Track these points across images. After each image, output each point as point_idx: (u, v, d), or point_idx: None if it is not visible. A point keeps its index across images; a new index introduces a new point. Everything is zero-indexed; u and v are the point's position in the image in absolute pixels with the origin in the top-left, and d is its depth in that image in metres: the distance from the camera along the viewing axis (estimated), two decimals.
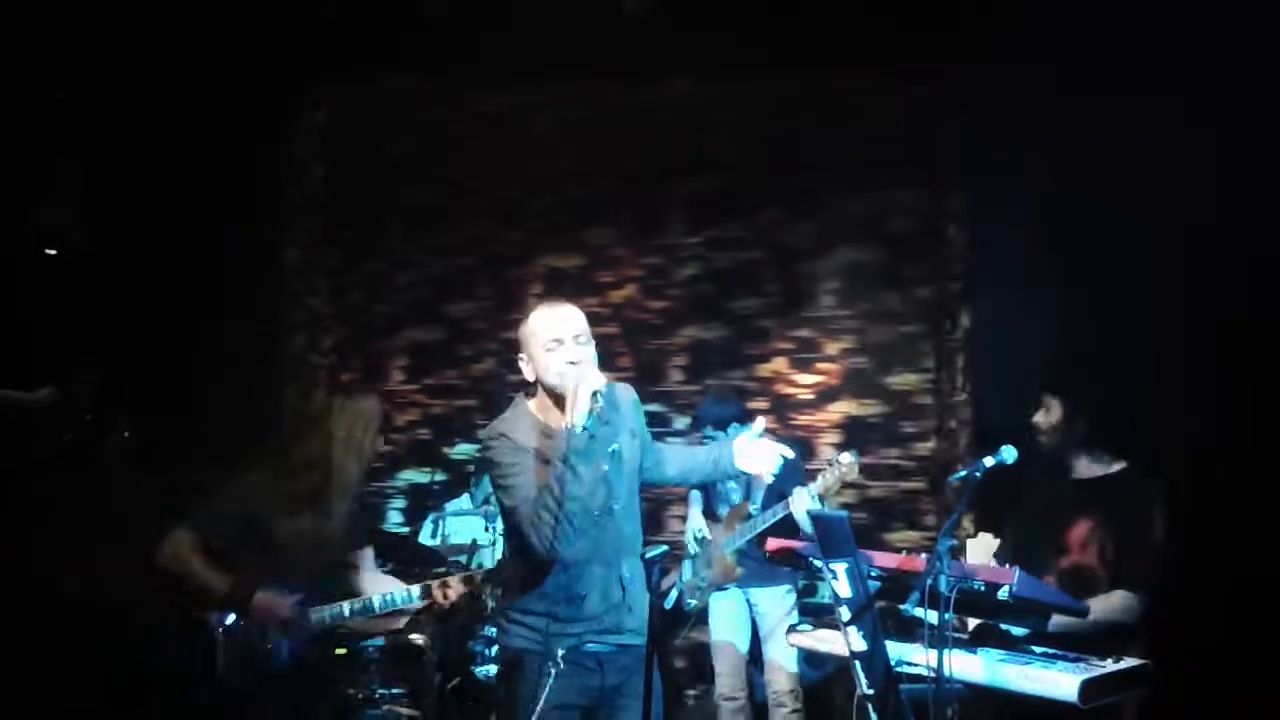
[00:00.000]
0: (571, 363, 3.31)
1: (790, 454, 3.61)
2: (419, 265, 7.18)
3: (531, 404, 3.47)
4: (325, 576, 3.94)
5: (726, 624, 5.45)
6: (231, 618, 3.78)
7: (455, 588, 4.01)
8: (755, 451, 3.57)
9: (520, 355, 3.42)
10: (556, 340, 3.33)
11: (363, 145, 6.98)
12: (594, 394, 3.23)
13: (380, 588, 4.01)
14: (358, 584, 4.05)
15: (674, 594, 5.56)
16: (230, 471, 3.93)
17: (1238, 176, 4.56)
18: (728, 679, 5.43)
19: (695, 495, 5.65)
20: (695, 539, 5.47)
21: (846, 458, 4.90)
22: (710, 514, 5.51)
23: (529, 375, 3.42)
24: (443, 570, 5.32)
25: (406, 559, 5.44)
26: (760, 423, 3.66)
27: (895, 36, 5.68)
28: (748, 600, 5.43)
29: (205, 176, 5.75)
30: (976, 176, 6.05)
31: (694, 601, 5.48)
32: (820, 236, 6.86)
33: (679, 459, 3.77)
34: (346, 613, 3.91)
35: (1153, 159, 4.78)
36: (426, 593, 3.99)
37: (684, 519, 5.71)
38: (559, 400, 3.33)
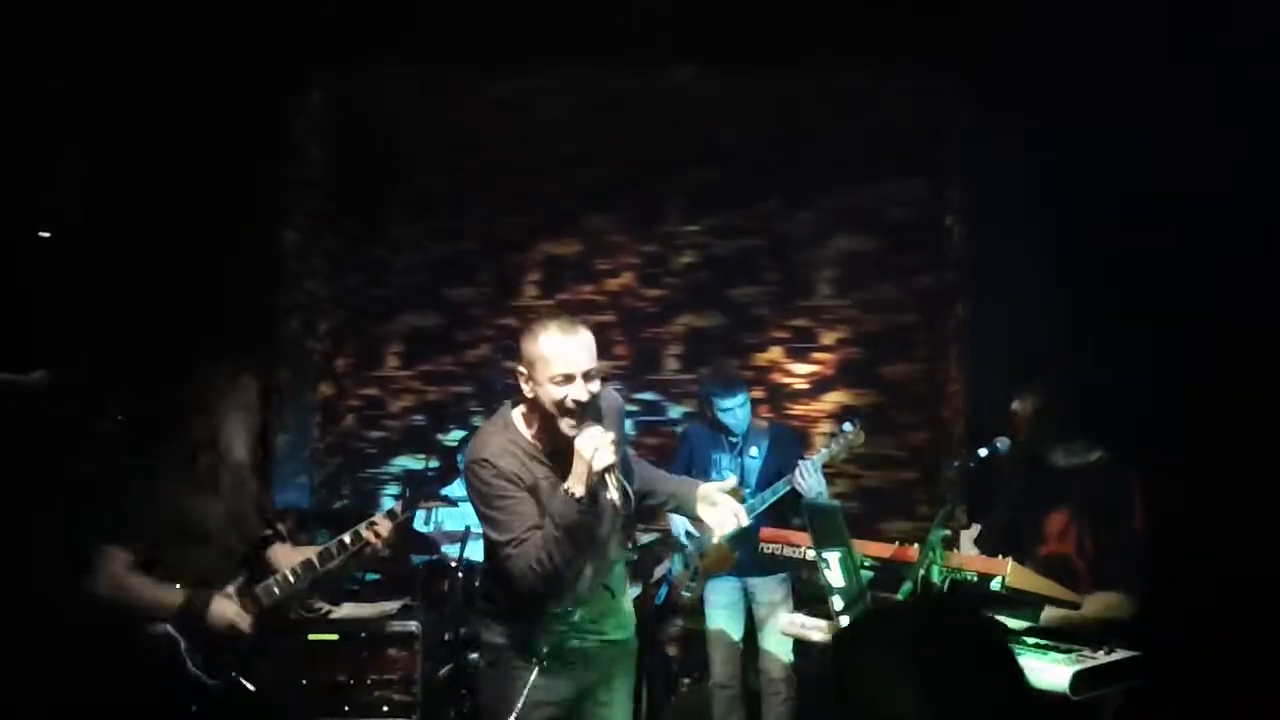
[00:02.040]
0: (579, 402, 3.13)
1: (745, 522, 3.47)
2: (417, 250, 7.18)
3: (519, 418, 3.31)
4: (252, 554, 3.91)
5: (722, 612, 5.45)
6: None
7: (383, 524, 3.95)
8: (719, 506, 3.43)
9: (519, 367, 3.23)
10: (567, 376, 3.13)
11: (363, 128, 6.97)
12: (607, 468, 3.07)
13: (300, 558, 3.94)
14: (274, 559, 4.00)
15: (664, 589, 5.54)
16: (132, 476, 3.86)
17: (1236, 175, 4.56)
18: (722, 667, 5.44)
19: None
20: (685, 532, 5.45)
21: (850, 427, 5.11)
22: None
23: (526, 391, 3.24)
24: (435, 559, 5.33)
25: (400, 544, 5.43)
26: (731, 480, 3.61)
27: (899, 29, 5.66)
28: (743, 589, 5.44)
29: (203, 158, 5.73)
30: (976, 169, 6.04)
31: (687, 594, 5.48)
32: (818, 226, 6.87)
33: (642, 475, 3.58)
34: (292, 579, 3.86)
35: (1152, 157, 4.79)
36: (357, 537, 3.92)
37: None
38: (553, 426, 3.18)
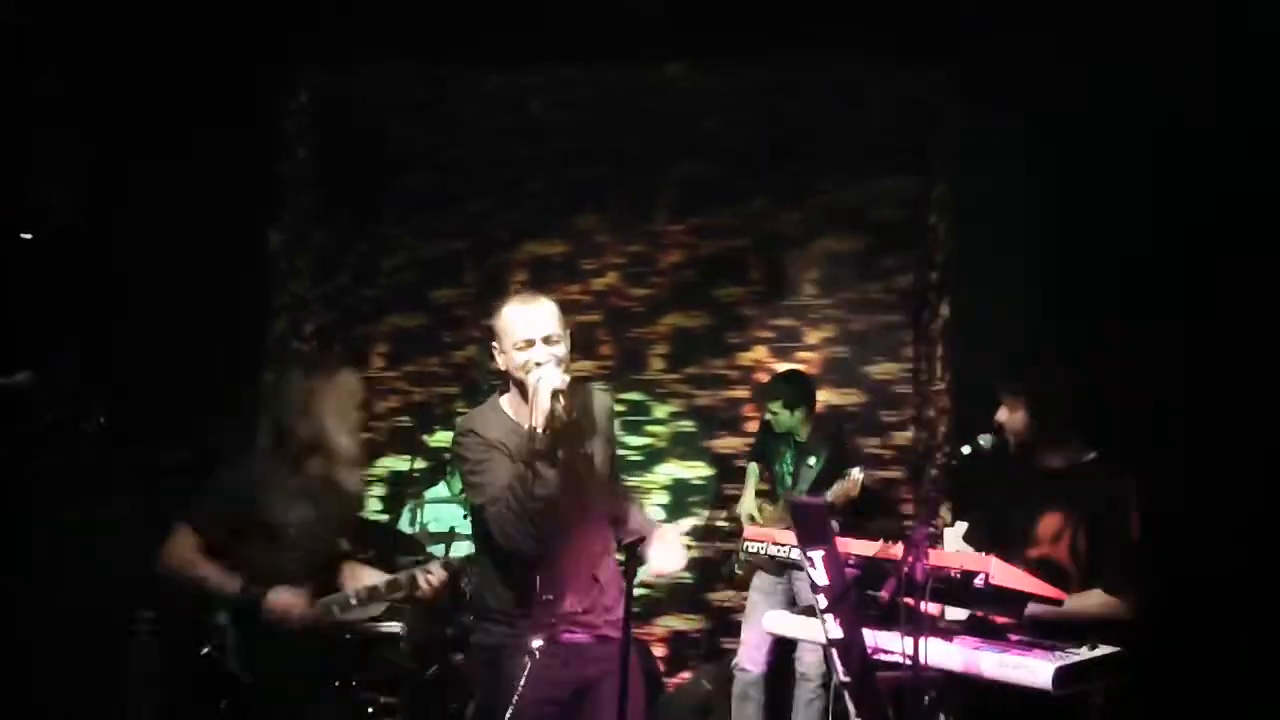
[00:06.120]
0: (538, 363, 3.31)
1: (679, 568, 3.55)
2: (403, 250, 7.17)
3: (504, 400, 3.49)
4: (325, 565, 3.90)
5: (760, 598, 5.58)
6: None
7: (437, 574, 3.93)
8: (666, 550, 3.46)
9: (494, 345, 3.43)
10: (526, 341, 3.34)
11: (350, 128, 6.95)
12: (555, 393, 3.23)
13: (359, 577, 3.96)
14: (344, 576, 3.99)
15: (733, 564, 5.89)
16: (225, 464, 3.87)
17: (1228, 171, 4.59)
18: (750, 650, 5.57)
19: (752, 470, 5.97)
20: (749, 517, 5.75)
21: (856, 473, 5.29)
22: (768, 495, 5.82)
23: (500, 365, 3.43)
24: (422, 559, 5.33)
25: (385, 547, 5.43)
26: (685, 525, 3.70)
27: (890, 24, 5.68)
28: (788, 579, 5.51)
29: (189, 158, 5.72)
30: (961, 167, 6.06)
31: (739, 569, 5.78)
32: (803, 225, 6.88)
33: (624, 504, 3.67)
34: (354, 600, 3.86)
35: (1141, 154, 4.82)
36: (413, 580, 3.90)
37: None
38: (527, 397, 3.32)
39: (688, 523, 3.69)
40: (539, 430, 3.22)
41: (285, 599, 3.71)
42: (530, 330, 3.34)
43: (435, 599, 4.02)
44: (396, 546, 5.74)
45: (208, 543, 3.71)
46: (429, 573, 3.92)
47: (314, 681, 3.92)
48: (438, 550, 5.71)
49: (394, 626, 5.02)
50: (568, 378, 3.30)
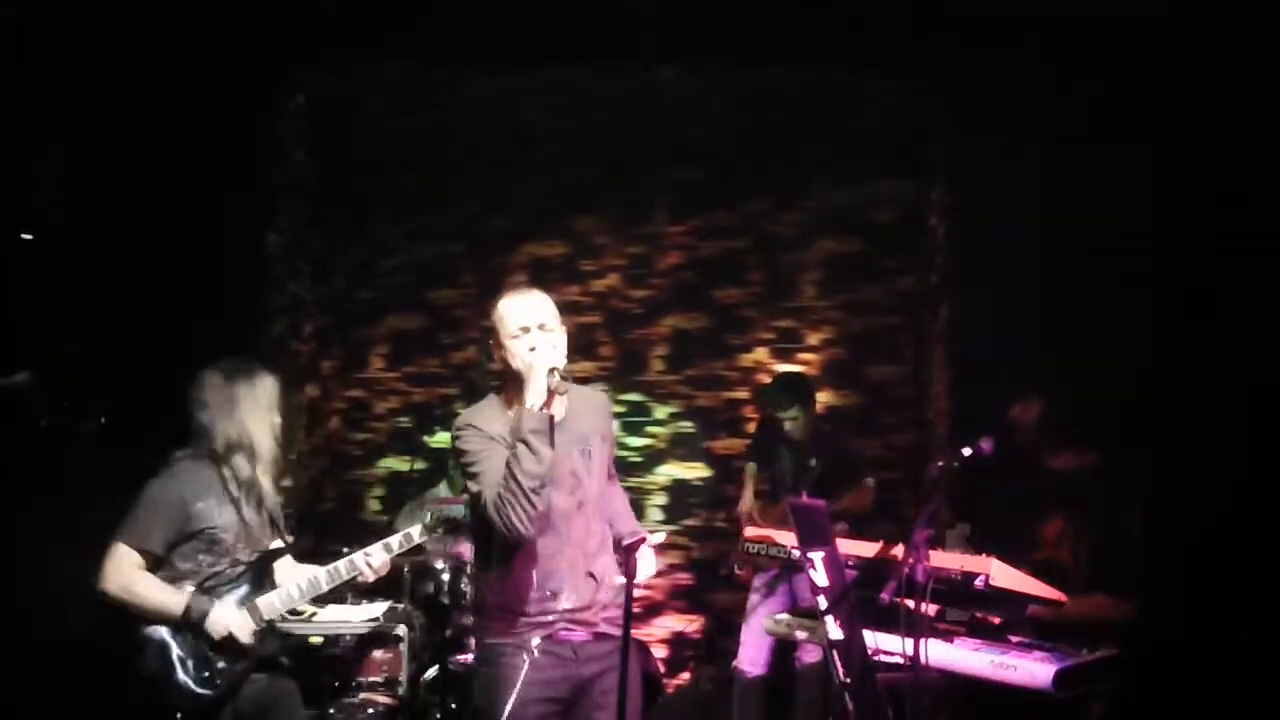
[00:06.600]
0: (533, 349, 3.35)
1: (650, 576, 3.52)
2: (402, 251, 7.16)
3: (503, 397, 3.50)
4: (259, 565, 3.88)
5: (760, 597, 5.58)
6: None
7: (377, 557, 3.95)
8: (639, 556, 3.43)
9: (492, 342, 3.47)
10: (522, 329, 3.38)
11: (348, 130, 6.95)
12: (550, 370, 3.27)
13: (299, 575, 3.93)
14: (279, 572, 3.96)
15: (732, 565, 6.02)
16: (153, 478, 3.81)
17: (1226, 171, 4.59)
18: (750, 650, 5.57)
19: (751, 470, 5.95)
20: (749, 518, 5.74)
21: (870, 482, 5.47)
22: (767, 495, 5.82)
23: (498, 360, 3.47)
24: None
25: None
26: (660, 535, 3.69)
27: (889, 27, 5.69)
28: (789, 581, 5.52)
29: (187, 159, 5.71)
30: (960, 169, 6.06)
31: (739, 569, 5.83)
32: (802, 227, 6.89)
33: (614, 506, 3.67)
34: (296, 594, 3.85)
35: (1139, 154, 4.82)
36: (353, 565, 3.92)
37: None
38: (524, 387, 3.34)
39: (658, 536, 3.63)
40: (535, 407, 3.25)
41: (230, 621, 3.70)
42: (525, 318, 3.39)
43: (377, 581, 4.02)
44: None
45: (145, 559, 3.68)
46: (368, 555, 3.95)
47: (286, 682, 3.91)
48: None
49: (394, 628, 5.02)
50: (564, 361, 3.35)
